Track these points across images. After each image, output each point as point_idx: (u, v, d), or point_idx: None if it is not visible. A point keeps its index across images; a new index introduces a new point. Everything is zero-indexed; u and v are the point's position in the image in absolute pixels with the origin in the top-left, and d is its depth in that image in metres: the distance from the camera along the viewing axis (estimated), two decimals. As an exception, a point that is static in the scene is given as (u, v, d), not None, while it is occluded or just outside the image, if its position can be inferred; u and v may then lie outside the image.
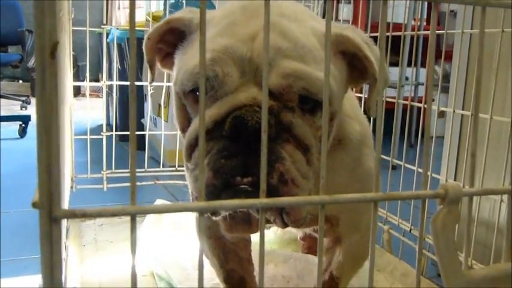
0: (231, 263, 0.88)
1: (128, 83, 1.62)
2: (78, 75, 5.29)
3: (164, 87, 1.65)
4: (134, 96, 0.38)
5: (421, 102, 3.05)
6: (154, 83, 1.56)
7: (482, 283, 0.46)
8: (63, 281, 0.38)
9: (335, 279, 0.85)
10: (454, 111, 1.12)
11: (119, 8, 4.42)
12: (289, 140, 0.59)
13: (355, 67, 0.69)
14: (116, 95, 1.62)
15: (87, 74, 1.41)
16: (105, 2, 3.54)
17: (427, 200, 0.44)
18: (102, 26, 1.48)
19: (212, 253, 0.87)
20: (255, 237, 0.96)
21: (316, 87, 0.60)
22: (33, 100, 4.87)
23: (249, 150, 0.56)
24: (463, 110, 1.18)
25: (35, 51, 0.34)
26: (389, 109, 1.53)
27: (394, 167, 1.93)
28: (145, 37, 0.74)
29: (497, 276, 0.47)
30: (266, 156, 0.38)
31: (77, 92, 5.02)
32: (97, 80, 5.02)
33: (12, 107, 4.55)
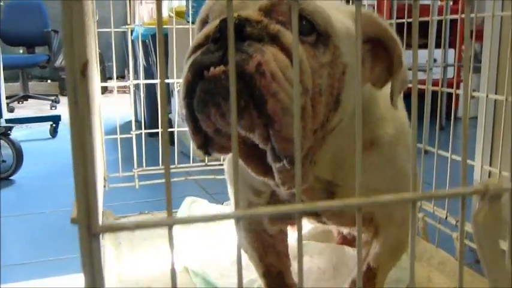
0: (269, 257, 0.88)
1: (154, 81, 1.63)
2: (104, 73, 5.34)
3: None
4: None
5: (450, 84, 2.98)
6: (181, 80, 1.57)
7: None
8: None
9: (373, 269, 0.85)
10: (487, 95, 1.09)
11: (141, 3, 4.45)
12: (274, 46, 0.57)
13: (379, 58, 0.68)
14: (143, 93, 1.63)
15: (114, 74, 1.42)
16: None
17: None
18: (126, 26, 1.49)
19: (252, 247, 0.87)
20: (290, 232, 0.96)
21: (310, 8, 0.59)
22: (62, 99, 4.95)
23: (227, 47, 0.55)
24: (496, 93, 1.15)
25: (65, 71, 0.34)
26: (419, 93, 1.51)
27: (426, 152, 1.89)
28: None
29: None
30: (300, 154, 0.38)
31: (104, 89, 5.08)
32: (123, 77, 5.07)
33: (42, 107, 4.64)
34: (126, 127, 1.58)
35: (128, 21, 1.47)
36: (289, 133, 0.55)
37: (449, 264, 1.14)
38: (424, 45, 2.83)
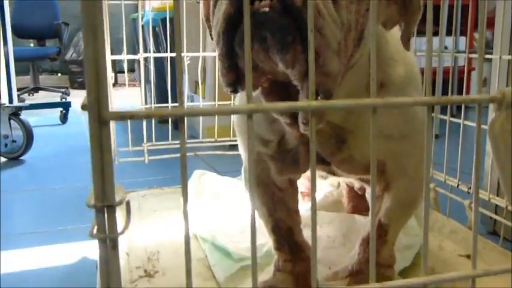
0: (279, 212, 0.86)
1: (164, 54, 1.64)
2: (114, 65, 5.35)
3: (200, 61, 1.65)
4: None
5: (461, 72, 2.95)
6: (191, 54, 1.57)
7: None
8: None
9: (384, 226, 0.83)
10: (500, 57, 1.08)
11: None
12: None
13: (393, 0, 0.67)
14: (154, 67, 1.63)
15: (124, 46, 1.42)
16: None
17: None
18: (136, -1, 1.49)
19: (261, 201, 0.86)
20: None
21: None
22: (72, 92, 4.97)
23: None
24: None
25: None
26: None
27: (436, 136, 1.88)
28: None
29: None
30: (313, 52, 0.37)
31: (114, 82, 5.10)
32: (133, 70, 5.05)
33: (53, 99, 4.66)
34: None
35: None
36: (330, 67, 0.56)
37: (461, 233, 1.12)
38: (435, 33, 2.81)
